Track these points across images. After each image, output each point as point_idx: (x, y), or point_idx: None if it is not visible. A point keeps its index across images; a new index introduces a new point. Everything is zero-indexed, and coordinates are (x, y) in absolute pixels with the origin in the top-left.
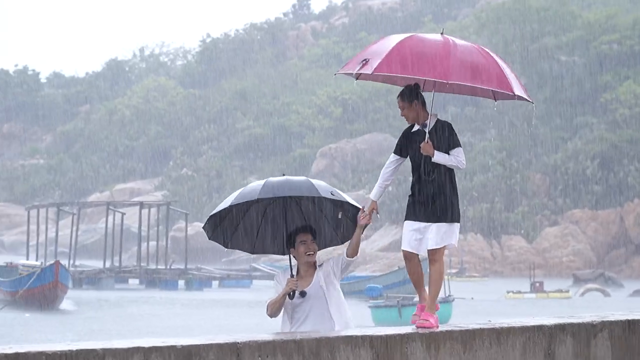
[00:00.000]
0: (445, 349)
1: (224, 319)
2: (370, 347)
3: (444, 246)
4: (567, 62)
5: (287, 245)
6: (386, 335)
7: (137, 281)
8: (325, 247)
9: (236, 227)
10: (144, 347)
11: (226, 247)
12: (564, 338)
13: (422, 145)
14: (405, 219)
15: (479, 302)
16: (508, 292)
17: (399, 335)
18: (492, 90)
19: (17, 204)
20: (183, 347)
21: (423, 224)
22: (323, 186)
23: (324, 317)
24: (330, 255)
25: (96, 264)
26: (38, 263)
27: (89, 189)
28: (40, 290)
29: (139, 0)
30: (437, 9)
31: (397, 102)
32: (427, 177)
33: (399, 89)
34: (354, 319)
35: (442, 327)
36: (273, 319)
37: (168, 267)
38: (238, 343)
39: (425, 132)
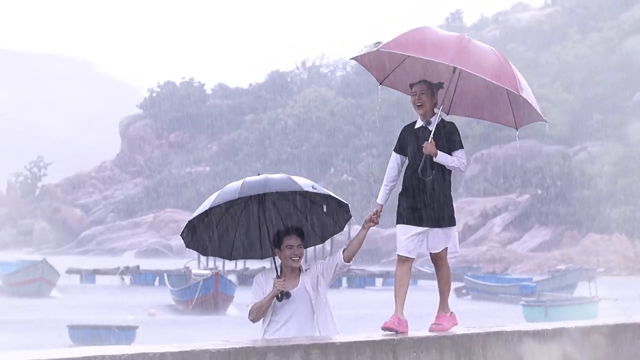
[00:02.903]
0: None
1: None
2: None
3: (446, 248)
4: None
5: (272, 245)
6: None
7: None
8: (306, 247)
9: (213, 233)
10: (304, 344)
11: (204, 254)
12: None
13: (425, 144)
14: (400, 223)
15: (623, 302)
16: None
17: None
18: (512, 114)
19: (184, 210)
20: (342, 343)
21: (420, 229)
22: (304, 181)
23: (308, 321)
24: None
25: (259, 265)
26: (208, 272)
27: None
28: (204, 300)
29: (300, 15)
30: (583, 20)
31: (416, 86)
32: (424, 177)
33: (542, 98)
34: (505, 318)
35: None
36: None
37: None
38: (394, 340)
39: (428, 130)
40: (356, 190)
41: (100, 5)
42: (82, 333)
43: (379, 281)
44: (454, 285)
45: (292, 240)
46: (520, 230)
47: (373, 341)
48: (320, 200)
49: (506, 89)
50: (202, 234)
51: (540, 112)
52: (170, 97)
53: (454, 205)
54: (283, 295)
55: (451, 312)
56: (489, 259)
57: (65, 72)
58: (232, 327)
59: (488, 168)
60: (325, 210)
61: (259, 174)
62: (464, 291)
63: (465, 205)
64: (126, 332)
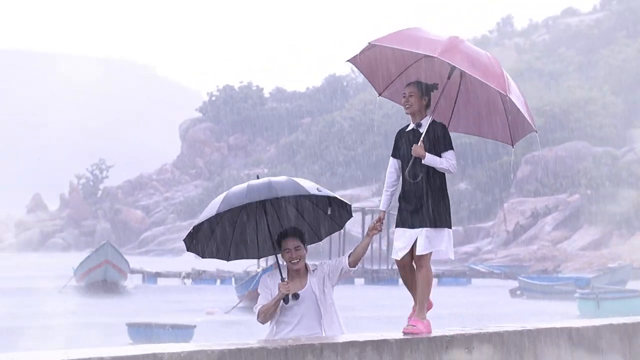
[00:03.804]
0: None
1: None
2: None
3: (430, 252)
4: None
5: (276, 247)
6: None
7: (362, 280)
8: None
9: (212, 234)
10: (359, 342)
11: (202, 256)
12: None
13: (413, 147)
14: (397, 227)
15: None
16: None
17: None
18: (509, 130)
19: None
20: (396, 340)
21: (412, 230)
22: (309, 184)
23: (316, 322)
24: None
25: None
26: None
27: None
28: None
29: (355, 20)
30: (631, 25)
31: (405, 88)
32: (412, 179)
33: (591, 101)
34: (558, 315)
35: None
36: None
37: (389, 267)
38: (446, 337)
39: (419, 132)
40: None
41: (161, 10)
42: (141, 331)
43: (434, 280)
44: (509, 285)
45: (290, 243)
46: (570, 229)
47: (426, 338)
48: (325, 203)
49: (502, 101)
50: (202, 237)
51: (530, 120)
52: (229, 101)
53: (505, 205)
54: (289, 298)
55: (427, 320)
56: (539, 258)
57: (128, 77)
58: None
59: (539, 169)
60: (329, 213)
61: (257, 177)
62: (518, 292)
63: (516, 205)
64: (184, 331)
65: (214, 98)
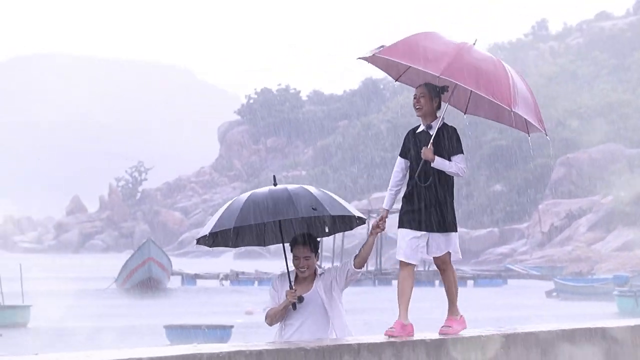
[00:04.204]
0: None
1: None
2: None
3: (448, 252)
4: None
5: (285, 251)
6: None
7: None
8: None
9: (237, 233)
10: (396, 342)
11: (233, 247)
12: None
13: (422, 150)
14: (401, 227)
15: None
16: None
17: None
18: (525, 120)
19: None
20: (432, 340)
21: (420, 233)
22: (305, 201)
23: (322, 326)
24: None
25: None
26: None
27: (348, 197)
28: None
29: (392, 23)
30: None
31: (416, 89)
32: (422, 183)
33: (625, 103)
34: (596, 316)
35: None
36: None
37: (425, 269)
38: (482, 337)
39: (429, 134)
40: None
41: (199, 15)
42: (179, 333)
43: (470, 282)
44: (544, 286)
45: (299, 252)
46: (604, 230)
47: (462, 338)
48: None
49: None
50: (225, 236)
51: (538, 125)
52: (267, 104)
53: (540, 206)
54: (296, 304)
55: (460, 316)
56: (574, 259)
57: (167, 80)
58: None
59: (573, 171)
60: (327, 230)
61: (275, 183)
62: (554, 294)
63: (551, 207)
64: (222, 331)
65: (251, 101)
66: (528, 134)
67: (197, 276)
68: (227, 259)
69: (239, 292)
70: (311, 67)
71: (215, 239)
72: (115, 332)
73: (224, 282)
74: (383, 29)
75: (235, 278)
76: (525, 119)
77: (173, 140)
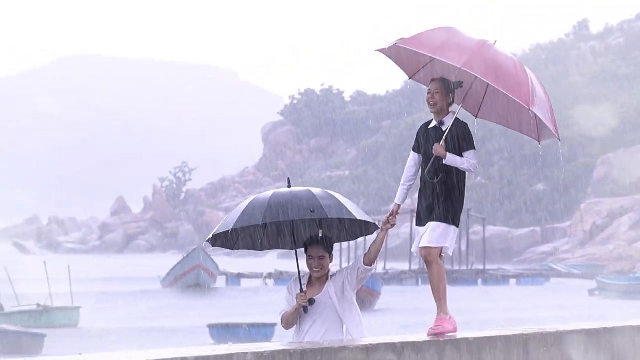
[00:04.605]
0: None
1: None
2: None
3: (439, 248)
4: None
5: (297, 248)
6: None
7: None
8: (338, 242)
9: (239, 234)
10: (439, 341)
11: (231, 248)
12: None
13: (435, 146)
14: (416, 225)
15: None
16: None
17: None
18: (536, 127)
19: None
20: (475, 339)
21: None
22: (339, 206)
23: (333, 327)
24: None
25: (401, 265)
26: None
27: (391, 197)
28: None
29: (436, 23)
30: None
31: (431, 85)
32: (431, 179)
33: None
34: (633, 315)
35: None
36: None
37: (469, 267)
38: (524, 335)
39: (441, 130)
40: (489, 192)
41: (242, 16)
42: (222, 332)
43: (512, 281)
44: (586, 284)
45: (314, 252)
46: None
47: (504, 336)
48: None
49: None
50: (229, 236)
51: (553, 129)
52: (310, 105)
53: (582, 205)
54: (308, 307)
55: (450, 316)
56: (616, 257)
57: (211, 81)
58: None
59: (614, 170)
60: (320, 235)
61: (289, 185)
62: (596, 292)
63: (593, 206)
64: (265, 330)
65: (295, 101)
66: (539, 141)
67: (241, 276)
68: (271, 259)
69: (283, 291)
70: (354, 67)
71: (217, 240)
72: (161, 332)
73: (267, 281)
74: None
75: (279, 277)
76: (537, 123)
77: (217, 141)
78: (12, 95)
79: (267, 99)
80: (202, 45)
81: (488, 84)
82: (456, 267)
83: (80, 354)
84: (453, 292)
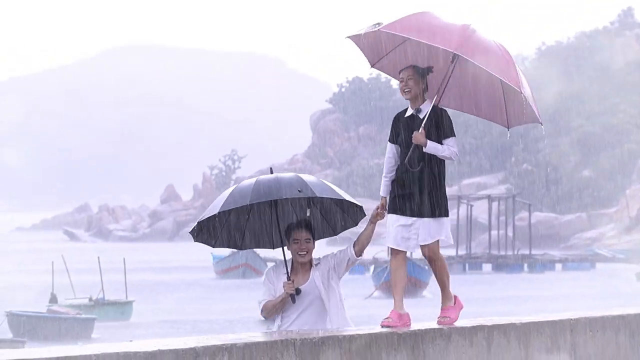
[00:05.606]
0: None
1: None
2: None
3: (437, 240)
4: None
5: (284, 238)
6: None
7: (489, 266)
8: (317, 239)
9: (223, 227)
10: (487, 325)
11: (213, 246)
12: None
13: (414, 134)
14: (391, 212)
15: None
16: None
17: None
18: (505, 113)
19: (374, 200)
20: (522, 324)
21: (410, 220)
22: (310, 178)
23: (319, 317)
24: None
25: (446, 252)
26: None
27: None
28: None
29: (475, 12)
30: None
31: (403, 72)
32: (411, 168)
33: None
34: None
35: None
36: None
37: (515, 252)
38: (571, 320)
39: (419, 118)
40: (535, 178)
41: (291, 6)
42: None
43: (558, 266)
44: (632, 269)
45: (300, 235)
46: None
47: (551, 321)
48: (331, 202)
49: (502, 86)
50: (211, 229)
51: (538, 113)
52: (358, 93)
53: (627, 191)
54: (295, 297)
55: (455, 297)
56: None
57: (260, 70)
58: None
59: None
60: (308, 214)
61: (271, 170)
62: None
63: (638, 192)
64: None
65: (343, 89)
66: (508, 128)
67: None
68: (319, 245)
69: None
70: None
71: (200, 232)
72: (213, 324)
73: None
74: None
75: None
76: (525, 106)
77: (266, 129)
78: (64, 84)
79: (315, 87)
80: (250, 34)
81: (453, 69)
82: (502, 252)
83: (131, 341)
84: (499, 279)
